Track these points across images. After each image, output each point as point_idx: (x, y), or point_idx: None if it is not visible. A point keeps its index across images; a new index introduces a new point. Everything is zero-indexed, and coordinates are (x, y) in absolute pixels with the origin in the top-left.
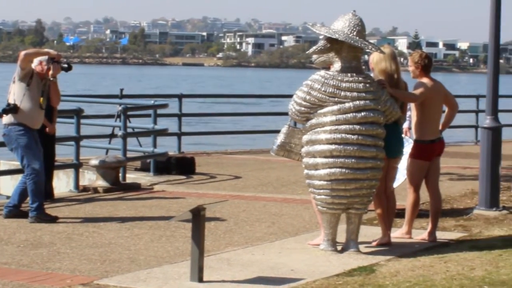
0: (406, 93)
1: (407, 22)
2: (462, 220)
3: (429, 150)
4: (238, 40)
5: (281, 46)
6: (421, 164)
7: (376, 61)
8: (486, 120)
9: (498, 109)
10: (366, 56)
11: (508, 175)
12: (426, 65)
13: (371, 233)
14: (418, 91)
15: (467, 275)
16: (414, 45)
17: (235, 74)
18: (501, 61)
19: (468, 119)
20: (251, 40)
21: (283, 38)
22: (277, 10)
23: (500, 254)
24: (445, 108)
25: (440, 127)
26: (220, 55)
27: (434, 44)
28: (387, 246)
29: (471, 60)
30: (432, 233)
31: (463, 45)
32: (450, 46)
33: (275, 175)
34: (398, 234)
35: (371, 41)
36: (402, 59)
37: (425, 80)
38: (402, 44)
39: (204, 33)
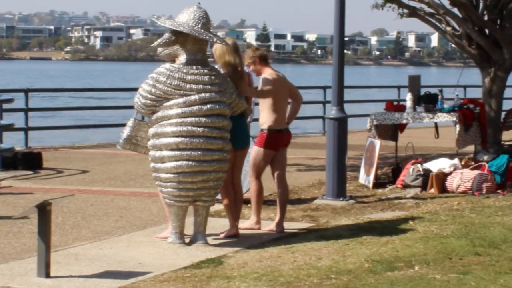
0: (260, 91)
1: (255, 14)
2: (310, 211)
3: (276, 140)
4: (86, 33)
5: (129, 39)
6: (267, 153)
7: (219, 54)
8: (332, 111)
9: (344, 100)
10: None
11: (355, 165)
12: (262, 56)
13: (219, 225)
14: (268, 86)
15: (314, 264)
16: (263, 37)
17: (83, 67)
18: (348, 52)
19: (315, 110)
20: (99, 33)
21: (132, 31)
22: (125, 3)
23: (347, 243)
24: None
25: (287, 120)
26: (68, 48)
27: (283, 36)
28: (235, 238)
29: (319, 52)
30: (279, 224)
31: (311, 37)
32: (298, 37)
33: (122, 168)
34: (247, 225)
35: (219, 33)
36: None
37: (268, 72)
38: (250, 36)
39: (52, 27)
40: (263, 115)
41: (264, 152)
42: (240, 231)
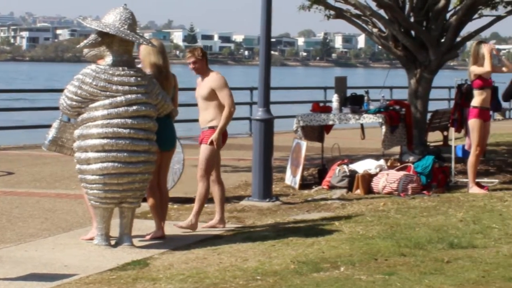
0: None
1: (183, 15)
2: (236, 212)
3: (224, 137)
4: (12, 34)
5: (56, 40)
6: (218, 151)
7: (144, 55)
8: (258, 112)
9: (271, 101)
10: None
11: (281, 166)
12: (206, 56)
13: (145, 226)
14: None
15: (240, 266)
16: (190, 38)
17: (9, 68)
18: (275, 53)
19: (242, 111)
20: (25, 33)
21: (58, 31)
22: (51, 3)
23: (273, 244)
24: None
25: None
26: None
27: (210, 37)
28: (161, 240)
29: (246, 53)
30: (223, 219)
31: (238, 38)
32: (226, 38)
33: (48, 170)
34: (185, 224)
35: (146, 34)
36: (178, 52)
37: (214, 72)
38: (177, 37)
39: None
40: (212, 112)
41: (216, 150)
42: (167, 233)
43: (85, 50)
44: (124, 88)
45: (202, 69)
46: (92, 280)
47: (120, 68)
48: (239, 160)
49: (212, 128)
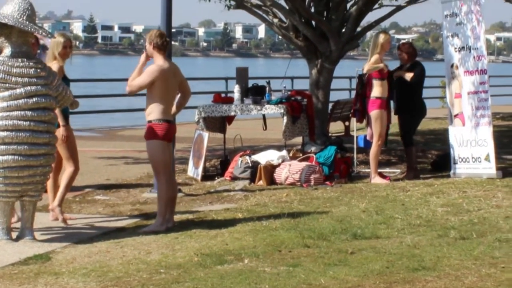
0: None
1: (82, 5)
2: (139, 204)
3: (169, 130)
4: None
5: None
6: (163, 144)
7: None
8: None
9: None
10: (41, 41)
11: (184, 157)
12: (159, 44)
13: (46, 220)
14: (148, 75)
15: (143, 259)
16: (90, 28)
17: None
18: (176, 43)
19: (143, 102)
20: None
21: None
22: None
23: (176, 237)
24: None
25: (172, 111)
26: None
27: (110, 28)
28: (63, 233)
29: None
30: (171, 219)
31: (138, 28)
32: (126, 29)
33: None
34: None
35: (45, 25)
36: (77, 43)
37: (158, 62)
38: (77, 27)
39: None
40: (151, 105)
41: (160, 143)
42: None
43: None
44: (23, 80)
45: (150, 54)
46: None
47: (19, 60)
48: (141, 151)
49: (150, 122)
